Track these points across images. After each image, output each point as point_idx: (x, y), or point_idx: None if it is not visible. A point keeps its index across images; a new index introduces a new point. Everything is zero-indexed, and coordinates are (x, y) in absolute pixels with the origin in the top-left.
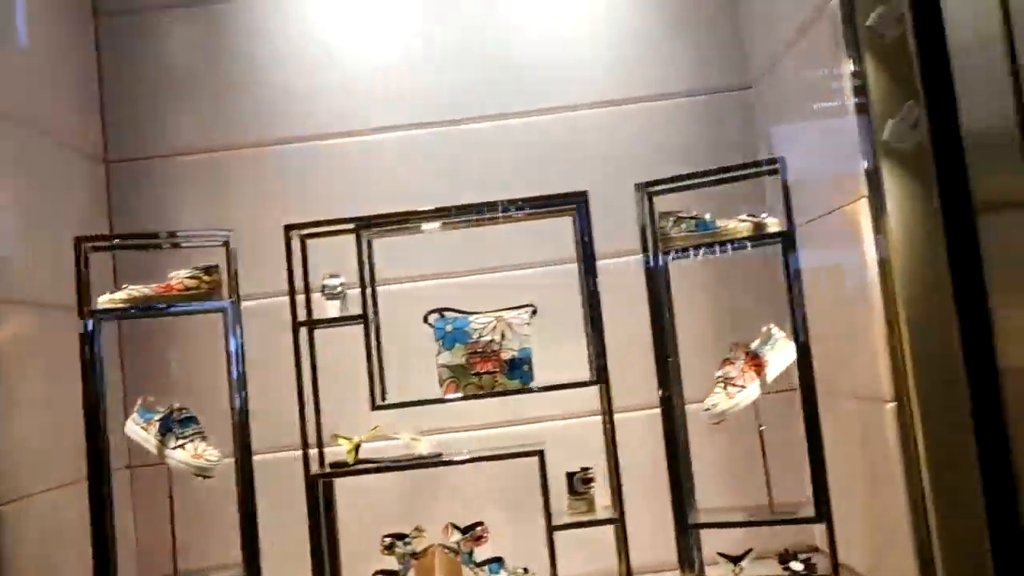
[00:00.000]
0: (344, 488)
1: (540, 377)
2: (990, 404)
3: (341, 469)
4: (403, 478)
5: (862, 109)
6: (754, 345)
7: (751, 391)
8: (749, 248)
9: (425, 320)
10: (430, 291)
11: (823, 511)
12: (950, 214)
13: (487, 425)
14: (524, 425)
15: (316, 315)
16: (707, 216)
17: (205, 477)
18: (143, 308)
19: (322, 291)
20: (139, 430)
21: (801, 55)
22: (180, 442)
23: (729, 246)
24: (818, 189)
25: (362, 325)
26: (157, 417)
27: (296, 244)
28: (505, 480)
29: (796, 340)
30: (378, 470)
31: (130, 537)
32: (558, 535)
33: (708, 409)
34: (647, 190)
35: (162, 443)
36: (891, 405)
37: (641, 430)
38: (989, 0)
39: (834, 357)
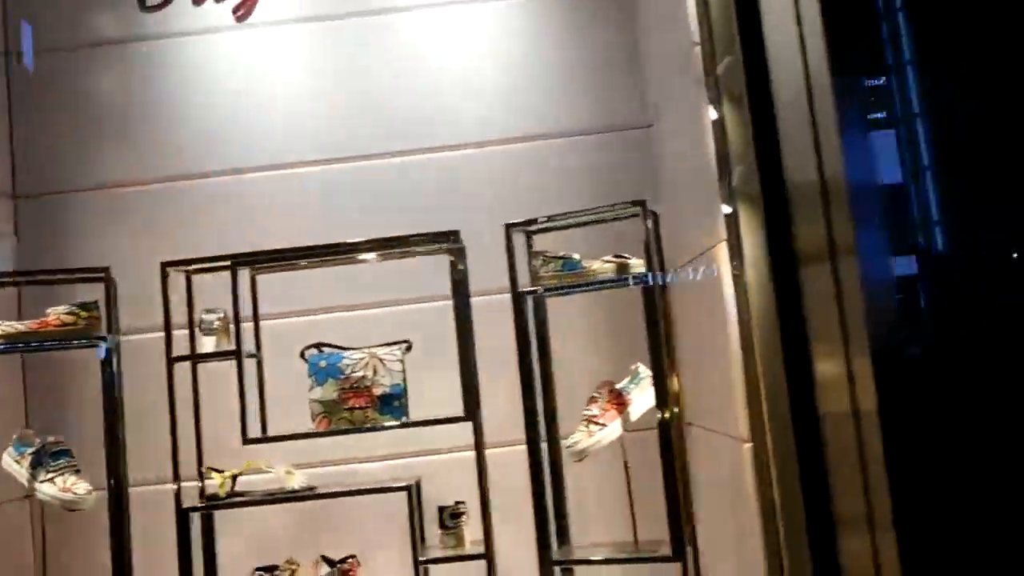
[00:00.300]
0: (228, 521)
1: (422, 411)
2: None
3: (213, 503)
4: (288, 511)
5: (722, 154)
6: (621, 384)
7: (612, 429)
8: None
9: (302, 355)
10: (319, 326)
11: (679, 550)
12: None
13: (370, 459)
14: (409, 458)
15: (198, 350)
16: (576, 256)
17: (74, 510)
18: (23, 343)
19: (199, 326)
20: (13, 463)
21: (679, 98)
22: (50, 475)
23: (596, 285)
24: (692, 231)
25: (246, 360)
26: (30, 450)
27: (182, 280)
28: (388, 514)
29: (654, 380)
30: (250, 503)
31: (29, 567)
32: (433, 569)
33: (569, 447)
34: (517, 230)
35: (33, 477)
36: (748, 445)
37: (520, 464)
38: (797, 58)
39: (704, 394)
